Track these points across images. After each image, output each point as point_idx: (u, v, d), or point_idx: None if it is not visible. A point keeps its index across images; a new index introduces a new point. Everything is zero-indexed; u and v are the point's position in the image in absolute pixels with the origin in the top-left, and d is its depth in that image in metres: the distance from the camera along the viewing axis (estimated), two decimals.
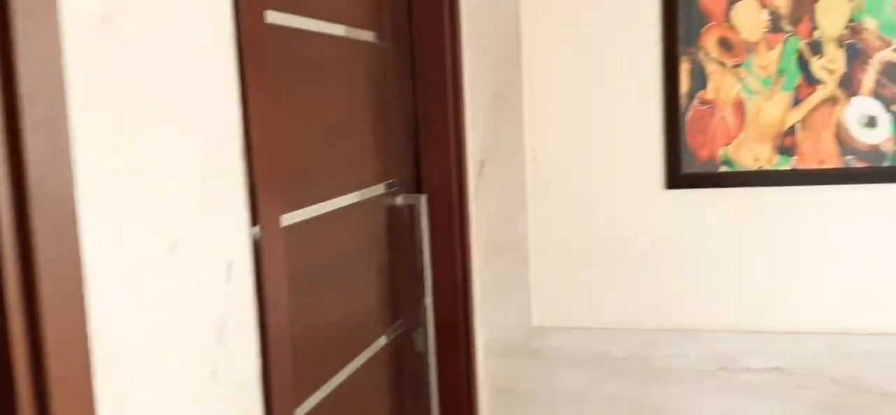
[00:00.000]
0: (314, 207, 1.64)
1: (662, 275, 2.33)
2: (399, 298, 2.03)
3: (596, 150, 2.33)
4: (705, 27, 2.23)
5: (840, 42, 2.14)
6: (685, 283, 2.31)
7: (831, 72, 2.15)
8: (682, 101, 2.26)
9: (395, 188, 2.00)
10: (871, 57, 2.12)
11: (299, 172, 1.58)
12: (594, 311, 2.38)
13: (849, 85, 2.14)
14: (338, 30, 1.76)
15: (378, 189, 1.94)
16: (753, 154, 2.23)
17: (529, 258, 2.41)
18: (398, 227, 2.00)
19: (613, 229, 2.35)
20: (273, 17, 1.49)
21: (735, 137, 2.24)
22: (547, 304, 2.42)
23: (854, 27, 2.12)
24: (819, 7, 2.14)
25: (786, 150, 2.21)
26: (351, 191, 1.80)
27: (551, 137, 2.36)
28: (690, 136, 2.26)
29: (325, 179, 1.69)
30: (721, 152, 2.25)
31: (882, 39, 2.10)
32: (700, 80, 2.24)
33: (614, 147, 2.32)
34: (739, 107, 2.23)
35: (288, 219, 1.51)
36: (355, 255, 1.84)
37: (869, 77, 2.13)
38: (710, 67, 2.24)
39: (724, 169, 2.26)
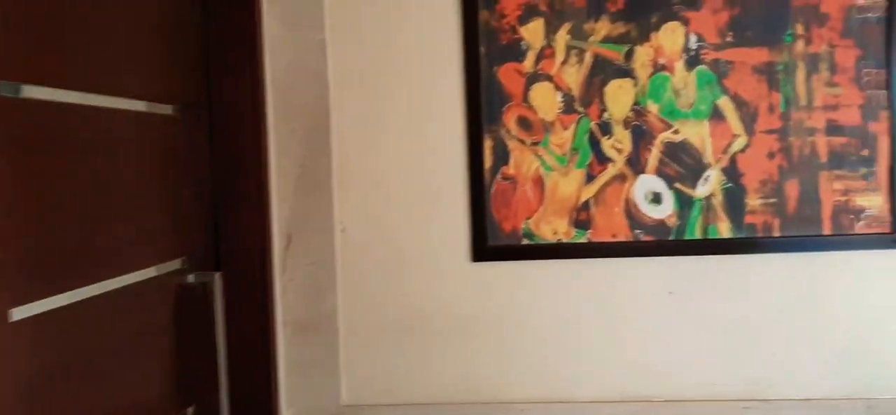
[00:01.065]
0: (72, 293, 1.30)
1: (472, 348, 2.12)
2: (191, 381, 1.70)
3: (405, 223, 2.11)
4: (506, 106, 2.07)
5: (627, 124, 2.03)
6: (494, 355, 2.11)
7: (620, 151, 2.04)
8: (487, 176, 2.08)
9: (188, 266, 1.68)
10: (655, 138, 2.02)
11: (49, 257, 1.24)
12: (406, 387, 2.13)
13: (636, 163, 2.04)
14: (117, 103, 1.45)
15: (167, 267, 1.61)
16: (552, 227, 2.08)
17: (339, 334, 2.14)
18: (191, 306, 1.68)
19: (424, 303, 2.12)
20: (29, 91, 1.18)
21: (536, 210, 2.08)
22: (357, 381, 2.15)
23: (638, 110, 2.03)
24: (607, 91, 2.04)
25: (582, 223, 2.07)
26: (128, 271, 1.47)
27: (361, 211, 2.13)
28: (495, 209, 2.09)
29: (91, 261, 1.36)
30: (523, 226, 2.08)
31: (663, 122, 2.02)
32: (503, 156, 2.08)
33: (424, 221, 2.11)
34: (539, 182, 2.07)
35: (23, 311, 1.17)
36: (133, 339, 1.50)
37: (653, 156, 2.03)
38: (512, 144, 2.08)
39: (526, 242, 2.09)
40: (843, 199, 1.96)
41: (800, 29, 1.95)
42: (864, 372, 1.97)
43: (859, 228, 1.96)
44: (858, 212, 1.96)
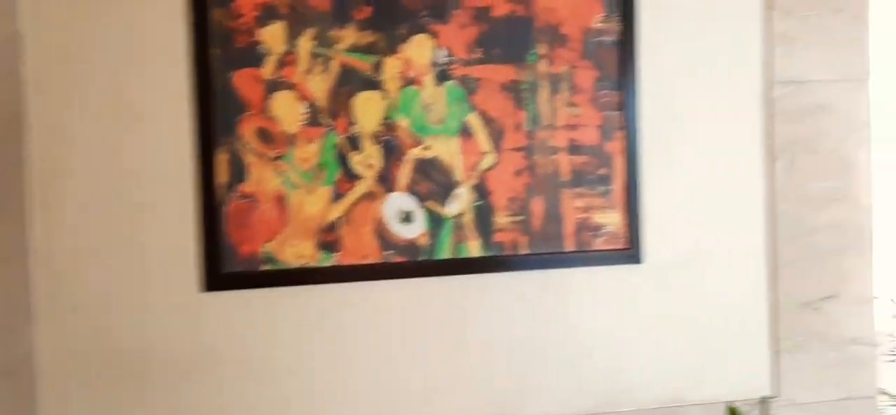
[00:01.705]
0: None
1: (204, 391, 1.73)
2: None
3: (120, 249, 1.68)
4: (243, 116, 1.73)
5: (377, 138, 1.78)
6: (233, 395, 1.74)
7: (369, 167, 1.78)
8: (220, 193, 1.72)
9: None
10: (405, 154, 1.79)
11: None
12: None
13: (386, 181, 1.79)
14: None
15: None
16: (297, 250, 1.76)
17: (37, 381, 1.65)
18: None
19: (144, 342, 1.70)
20: None
21: (278, 232, 1.75)
22: None
23: (389, 124, 1.79)
24: (356, 103, 1.77)
25: (329, 245, 1.77)
26: None
27: (66, 235, 1.66)
28: (231, 231, 1.73)
29: None
30: (264, 249, 1.74)
31: (414, 137, 1.79)
32: (239, 171, 1.73)
33: (142, 246, 1.69)
34: (281, 201, 1.75)
35: None
36: None
37: (404, 173, 1.79)
38: (250, 159, 1.74)
39: (267, 267, 1.75)
40: (584, 216, 1.86)
41: (543, 49, 1.83)
42: (607, 387, 1.88)
43: (599, 244, 1.87)
44: (598, 229, 1.87)
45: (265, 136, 1.74)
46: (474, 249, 1.82)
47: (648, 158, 1.86)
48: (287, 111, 1.74)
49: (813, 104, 1.91)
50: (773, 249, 1.91)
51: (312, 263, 1.76)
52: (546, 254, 1.84)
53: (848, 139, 1.94)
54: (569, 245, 1.85)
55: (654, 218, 1.87)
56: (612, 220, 1.87)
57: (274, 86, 1.74)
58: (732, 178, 1.90)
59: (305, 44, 1.75)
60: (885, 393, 2.15)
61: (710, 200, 1.89)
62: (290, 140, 1.75)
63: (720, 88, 1.89)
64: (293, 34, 1.74)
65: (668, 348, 1.89)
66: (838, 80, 1.93)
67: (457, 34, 1.80)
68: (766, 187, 1.91)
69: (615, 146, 1.86)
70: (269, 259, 1.75)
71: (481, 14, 1.80)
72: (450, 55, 1.80)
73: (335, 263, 1.77)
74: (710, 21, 1.88)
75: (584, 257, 1.86)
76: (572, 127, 1.84)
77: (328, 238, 1.77)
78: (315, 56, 1.75)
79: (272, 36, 1.74)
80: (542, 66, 1.83)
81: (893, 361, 2.31)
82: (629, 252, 1.87)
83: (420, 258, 1.80)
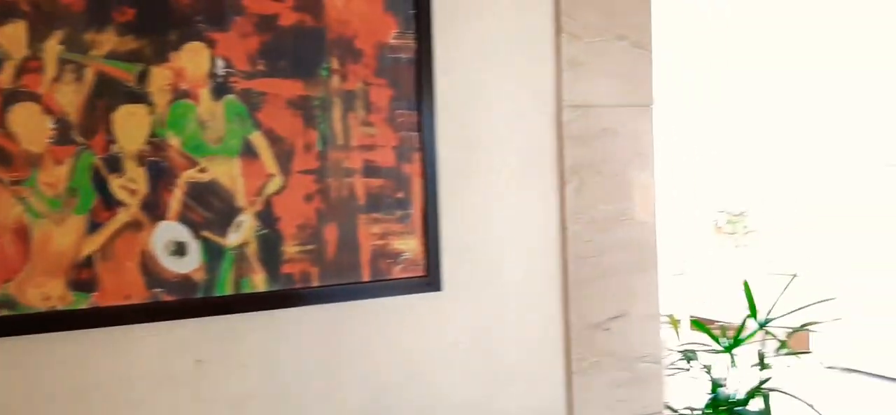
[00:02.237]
0: None
1: None
2: None
3: None
4: None
5: (142, 159, 1.56)
6: None
7: (133, 192, 1.55)
8: None
9: None
10: (178, 176, 1.58)
11: None
12: None
13: (154, 208, 1.57)
14: None
15: None
16: (43, 291, 1.49)
17: None
18: None
19: None
20: None
21: (19, 270, 1.47)
22: None
23: (157, 143, 1.57)
24: (116, 118, 1.54)
25: (84, 284, 1.52)
26: None
27: None
28: None
29: None
30: (0, 290, 1.45)
31: (187, 158, 1.59)
32: None
33: None
34: (23, 233, 1.47)
35: None
36: None
37: (176, 199, 1.58)
38: None
39: (4, 312, 1.46)
40: (381, 243, 1.75)
41: (335, 63, 1.70)
42: None
43: (397, 272, 1.77)
44: (396, 256, 1.77)
45: (2, 156, 1.45)
46: (259, 282, 1.65)
47: (447, 180, 1.80)
48: (29, 127, 1.47)
49: (599, 128, 1.95)
50: (566, 271, 1.92)
51: (63, 306, 1.50)
52: (340, 285, 1.71)
53: (632, 162, 1.99)
54: (365, 274, 1.74)
55: (453, 243, 1.81)
56: (410, 246, 1.78)
57: (12, 97, 1.46)
58: (527, 201, 1.89)
59: (53, 48, 1.49)
60: (669, 407, 2.25)
61: (507, 224, 1.87)
62: (34, 161, 1.48)
63: (515, 111, 1.88)
64: (37, 36, 1.48)
65: (468, 376, 1.83)
66: (623, 105, 1.98)
67: (238, 43, 1.63)
68: (559, 210, 1.91)
69: (413, 168, 1.78)
70: (8, 302, 1.46)
71: (266, 22, 1.64)
72: (229, 66, 1.62)
73: (92, 305, 1.52)
74: (505, 43, 1.86)
75: (382, 287, 1.75)
76: (368, 148, 1.73)
77: (83, 276, 1.51)
78: (65, 63, 1.49)
79: (10, 38, 1.47)
80: (335, 82, 1.70)
81: (673, 375, 2.44)
82: (428, 279, 1.79)
83: (196, 295, 1.59)
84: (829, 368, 5.71)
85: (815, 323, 2.50)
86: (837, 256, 7.29)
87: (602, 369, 1.97)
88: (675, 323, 2.62)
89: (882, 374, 5.35)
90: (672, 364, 2.46)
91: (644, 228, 2.03)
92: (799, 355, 2.38)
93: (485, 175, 1.85)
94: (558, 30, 1.91)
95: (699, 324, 2.45)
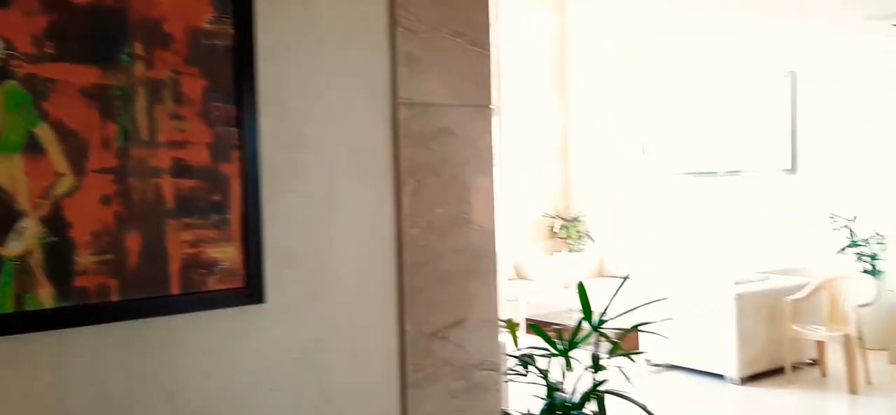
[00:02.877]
0: None
1: None
2: None
3: None
4: None
5: None
6: None
7: None
8: None
9: None
10: None
11: None
12: None
13: None
14: None
15: None
16: None
17: None
18: None
19: None
20: None
21: None
22: None
23: None
24: None
25: None
26: None
27: None
28: None
29: None
30: None
31: None
32: None
33: None
34: None
35: None
36: None
37: None
38: None
39: None
40: (194, 251, 1.58)
41: (139, 48, 1.51)
42: None
43: (212, 283, 1.60)
44: (211, 265, 1.60)
45: None
46: (46, 298, 1.43)
47: (270, 181, 1.65)
48: None
49: (436, 128, 1.88)
50: (402, 277, 1.82)
51: None
52: (145, 299, 1.52)
53: (470, 164, 1.94)
54: (174, 287, 1.55)
55: (277, 251, 1.66)
56: (227, 254, 1.61)
57: None
58: (360, 203, 1.78)
59: None
60: (506, 414, 2.22)
61: (338, 228, 1.75)
62: None
63: (347, 107, 1.76)
64: None
65: (295, 396, 1.69)
66: (461, 104, 1.92)
67: (20, 22, 1.41)
68: (394, 213, 1.82)
69: (231, 168, 1.62)
70: None
71: None
72: (10, 48, 1.39)
73: None
74: (336, 33, 1.74)
75: (194, 300, 1.57)
76: (178, 144, 1.55)
77: None
78: None
79: None
80: (139, 69, 1.51)
81: (509, 381, 2.41)
82: (248, 291, 1.63)
83: None
84: (656, 366, 6.03)
85: (647, 323, 2.57)
86: (664, 258, 7.75)
87: (438, 379, 1.90)
88: (512, 328, 2.60)
89: (701, 369, 5.71)
90: (510, 370, 2.44)
91: (482, 233, 1.98)
92: (631, 357, 2.43)
93: (314, 176, 1.72)
94: (393, 22, 1.82)
95: (536, 328, 2.44)
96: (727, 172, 7.74)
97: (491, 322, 2.01)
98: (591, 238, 8.85)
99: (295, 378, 1.70)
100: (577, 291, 2.43)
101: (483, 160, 1.98)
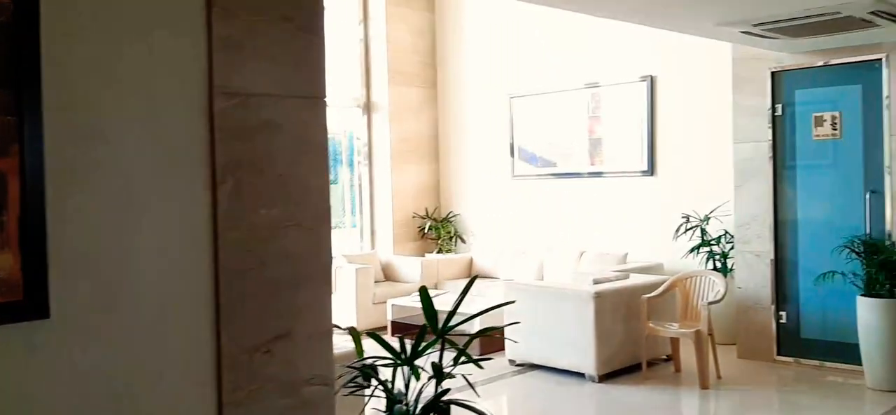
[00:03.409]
0: None
1: None
2: None
3: None
4: None
5: None
6: None
7: None
8: None
9: None
10: None
11: None
12: None
13: None
14: None
15: None
16: None
17: None
18: None
19: None
20: None
21: None
22: None
23: None
24: None
25: None
26: None
27: None
28: None
29: None
30: None
31: None
32: None
33: None
34: None
35: None
36: None
37: None
38: None
39: None
40: None
41: None
42: None
43: None
44: None
45: None
46: None
47: (57, 180, 1.45)
48: None
49: (260, 121, 1.73)
50: (218, 287, 1.66)
51: None
52: None
53: (300, 161, 1.80)
54: None
55: (67, 259, 1.47)
56: (3, 263, 1.40)
57: None
58: (169, 204, 1.60)
59: None
60: None
61: (142, 233, 1.57)
62: None
63: (154, 96, 1.59)
64: None
65: None
66: (289, 95, 1.78)
67: None
68: (210, 215, 1.65)
69: (8, 164, 1.41)
70: None
71: None
72: None
73: None
74: (141, 11, 1.56)
75: None
76: None
77: None
78: None
79: None
80: None
81: (350, 394, 2.29)
82: (29, 304, 1.42)
83: None
84: (519, 366, 6.07)
85: (496, 328, 2.51)
86: (530, 258, 7.86)
87: (261, 398, 1.75)
88: (356, 337, 2.48)
89: (562, 368, 5.81)
90: (351, 382, 2.31)
91: (314, 237, 1.85)
92: (479, 363, 2.37)
93: (112, 173, 1.53)
94: (209, 2, 1.65)
95: (376, 336, 2.33)
96: (589, 174, 7.95)
97: (323, 334, 1.88)
98: (462, 239, 8.86)
99: (88, 408, 1.50)
100: (419, 295, 2.34)
101: (316, 155, 1.85)
